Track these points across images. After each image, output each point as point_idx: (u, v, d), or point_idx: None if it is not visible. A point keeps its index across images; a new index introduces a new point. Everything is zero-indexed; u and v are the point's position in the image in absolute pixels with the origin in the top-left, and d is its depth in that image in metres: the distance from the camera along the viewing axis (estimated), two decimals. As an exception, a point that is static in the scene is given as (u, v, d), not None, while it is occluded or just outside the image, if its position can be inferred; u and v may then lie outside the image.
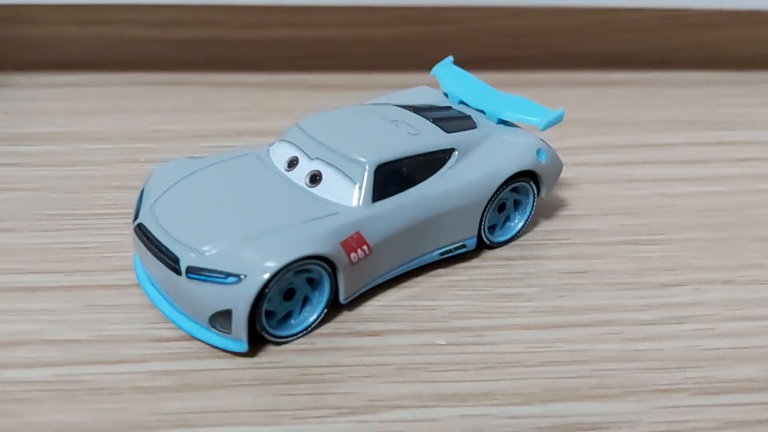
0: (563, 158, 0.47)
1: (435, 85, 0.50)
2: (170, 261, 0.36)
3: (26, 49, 0.67)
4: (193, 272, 0.35)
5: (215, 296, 0.35)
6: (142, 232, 0.38)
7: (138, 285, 0.40)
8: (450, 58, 0.51)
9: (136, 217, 0.39)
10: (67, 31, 0.68)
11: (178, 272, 0.35)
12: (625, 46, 0.71)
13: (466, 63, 0.51)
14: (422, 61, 0.57)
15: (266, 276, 0.35)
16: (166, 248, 0.36)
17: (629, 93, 0.65)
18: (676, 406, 0.35)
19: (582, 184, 0.51)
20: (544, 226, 0.47)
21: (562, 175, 0.48)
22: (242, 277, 0.35)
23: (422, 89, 0.50)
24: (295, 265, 0.35)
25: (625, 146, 0.56)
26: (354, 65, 0.66)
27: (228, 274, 0.35)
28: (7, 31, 0.67)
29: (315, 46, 0.69)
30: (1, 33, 0.67)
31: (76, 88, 0.62)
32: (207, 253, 0.35)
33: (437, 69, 0.50)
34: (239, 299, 0.35)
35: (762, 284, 0.42)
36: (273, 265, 0.35)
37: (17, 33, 0.67)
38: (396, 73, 0.66)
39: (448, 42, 0.68)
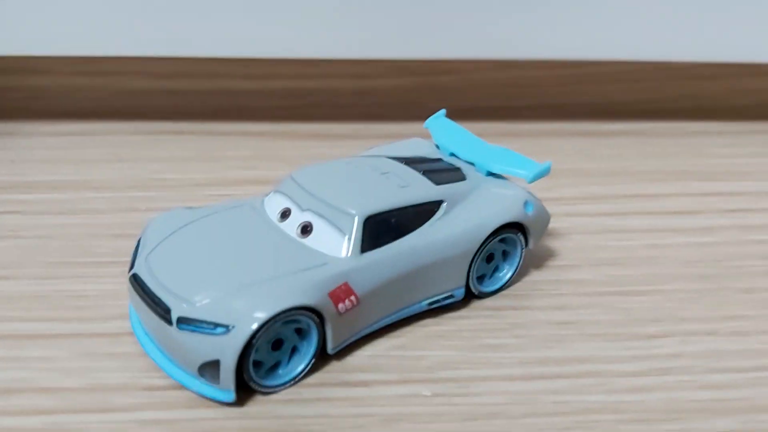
0: (554, 208, 0.48)
1: (429, 136, 0.52)
2: (162, 311, 0.37)
3: (33, 98, 0.68)
4: (184, 323, 0.36)
5: (204, 346, 0.36)
6: (137, 282, 0.39)
7: (132, 333, 0.41)
8: (442, 111, 0.52)
9: (131, 268, 0.40)
10: (73, 81, 0.70)
11: (169, 322, 0.36)
12: (618, 97, 0.72)
13: (463, 113, 0.53)
14: (421, 111, 0.58)
15: (254, 326, 0.35)
16: (158, 299, 0.37)
17: (623, 143, 0.66)
18: (658, 459, 0.35)
19: (572, 234, 0.52)
20: (533, 276, 0.48)
21: (552, 225, 0.49)
22: (230, 327, 0.35)
23: (415, 141, 0.51)
24: (283, 315, 0.36)
25: (616, 196, 0.57)
26: (355, 115, 0.68)
27: (217, 325, 0.36)
28: (15, 82, 0.69)
29: (316, 97, 0.70)
30: (9, 83, 0.69)
31: (81, 137, 0.64)
32: (198, 304, 0.36)
33: (430, 122, 0.52)
34: (227, 349, 0.35)
35: (745, 335, 0.43)
36: (261, 315, 0.36)
37: (24, 83, 0.69)
38: (395, 122, 0.67)
39: (445, 92, 0.69)
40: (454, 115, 0.52)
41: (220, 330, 0.36)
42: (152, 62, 0.68)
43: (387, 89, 0.71)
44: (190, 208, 0.44)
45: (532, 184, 0.46)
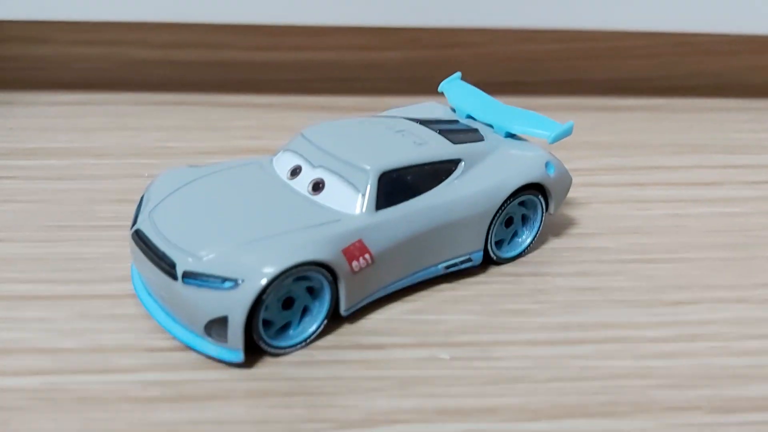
0: (573, 179, 0.46)
1: (443, 102, 0.50)
2: (167, 266, 0.35)
3: (34, 68, 0.67)
4: (190, 277, 0.34)
5: (211, 302, 0.34)
6: (139, 237, 0.37)
7: (134, 295, 0.39)
8: (458, 74, 0.50)
9: (134, 224, 0.38)
10: (74, 50, 0.68)
11: (174, 277, 0.34)
12: (635, 73, 0.70)
13: (476, 86, 0.51)
14: (433, 85, 0.56)
15: (264, 281, 0.33)
16: (162, 253, 0.35)
17: (639, 118, 0.64)
18: (691, 424, 0.33)
19: (592, 203, 0.50)
20: (553, 244, 0.46)
21: (572, 194, 0.47)
22: (239, 282, 0.34)
23: (430, 104, 0.50)
24: (294, 271, 0.34)
25: (635, 168, 0.55)
26: (364, 88, 0.66)
27: (225, 279, 0.34)
28: (16, 50, 0.67)
29: (324, 69, 0.68)
30: (10, 52, 0.67)
31: (82, 106, 0.62)
32: (204, 258, 0.34)
33: (445, 84, 0.50)
34: (236, 305, 0.33)
35: (777, 303, 0.41)
36: (271, 270, 0.34)
37: (25, 52, 0.67)
38: (406, 96, 0.65)
39: (459, 66, 0.66)
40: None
41: (228, 284, 0.34)
42: (154, 31, 0.67)
43: (395, 62, 0.69)
44: (195, 166, 0.42)
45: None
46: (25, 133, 0.57)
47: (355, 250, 0.37)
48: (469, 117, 0.47)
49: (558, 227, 0.47)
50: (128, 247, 0.40)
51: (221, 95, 0.65)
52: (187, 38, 0.67)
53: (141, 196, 0.40)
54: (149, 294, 0.38)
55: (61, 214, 0.47)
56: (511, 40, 0.68)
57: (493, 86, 0.62)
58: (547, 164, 0.43)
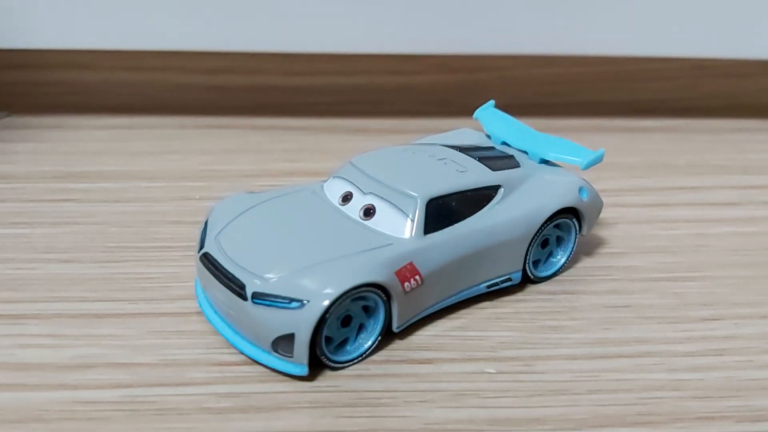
0: (603, 200, 0.49)
1: (476, 128, 0.53)
2: (236, 287, 0.38)
3: (81, 93, 0.70)
4: (259, 297, 0.37)
5: (279, 321, 0.37)
6: (208, 260, 0.40)
7: (199, 312, 0.42)
8: (491, 102, 0.53)
9: (201, 247, 0.41)
10: (119, 76, 0.71)
11: (244, 298, 0.37)
12: (654, 95, 0.73)
13: (503, 109, 0.54)
14: (461, 107, 0.60)
15: (327, 302, 0.36)
16: (232, 275, 0.38)
17: (660, 139, 0.67)
18: (722, 433, 0.36)
19: (620, 223, 0.53)
20: (585, 263, 0.48)
21: (602, 215, 0.50)
22: (305, 302, 0.36)
23: (465, 131, 0.53)
24: (353, 292, 0.37)
25: (659, 189, 0.58)
26: (395, 110, 0.69)
27: (291, 300, 0.37)
28: (65, 76, 0.70)
29: (358, 92, 0.71)
30: (59, 77, 0.70)
31: (128, 130, 0.65)
32: (271, 280, 0.37)
33: (479, 112, 0.53)
34: (302, 323, 0.36)
35: (798, 319, 0.44)
36: (334, 291, 0.37)
37: (73, 78, 0.70)
38: (435, 118, 0.68)
39: (485, 89, 0.71)
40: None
41: (294, 304, 0.36)
42: (195, 58, 0.70)
43: (426, 85, 0.72)
44: (253, 192, 0.45)
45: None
46: (78, 157, 0.60)
47: (406, 272, 0.39)
48: (504, 143, 0.50)
49: (589, 247, 0.50)
50: (188, 267, 0.43)
51: (260, 118, 0.68)
52: (227, 64, 0.70)
53: (204, 220, 0.43)
54: (215, 312, 0.41)
55: (122, 236, 0.50)
56: (535, 64, 0.71)
57: (518, 108, 0.65)
58: (580, 189, 0.46)
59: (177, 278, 0.45)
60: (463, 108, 0.57)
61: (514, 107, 0.60)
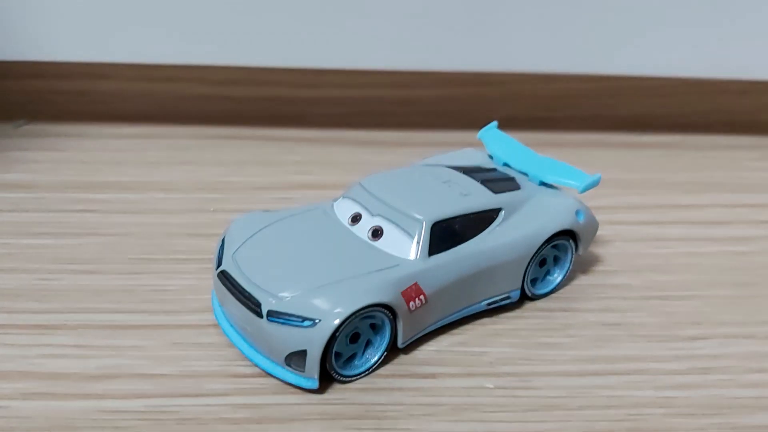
0: (598, 217, 0.51)
1: (478, 145, 0.55)
2: (252, 305, 0.40)
3: (99, 102, 0.72)
4: (274, 316, 0.40)
5: (292, 338, 0.39)
6: (225, 278, 0.42)
7: (216, 325, 0.44)
8: (494, 123, 0.55)
9: (219, 265, 0.44)
10: (135, 87, 0.73)
11: (259, 315, 0.40)
12: (652, 110, 0.76)
13: (505, 123, 0.56)
14: (465, 121, 0.62)
15: (338, 321, 0.39)
16: (249, 293, 0.41)
17: (657, 155, 0.69)
18: (704, 449, 0.39)
19: (615, 241, 0.55)
20: (581, 281, 0.51)
21: (598, 232, 0.52)
22: (317, 321, 0.39)
23: (469, 151, 0.55)
24: (363, 311, 0.40)
25: (653, 206, 0.61)
26: (401, 123, 0.72)
27: (304, 318, 0.39)
28: (83, 85, 0.72)
29: (365, 105, 0.74)
30: (78, 87, 0.72)
31: (145, 139, 0.68)
32: (285, 299, 0.40)
33: (483, 133, 0.55)
34: (314, 341, 0.39)
35: (783, 340, 0.46)
36: (344, 311, 0.39)
37: (92, 87, 0.73)
38: (440, 131, 0.71)
39: (488, 104, 0.73)
40: (498, 126, 0.55)
41: (307, 323, 0.39)
42: (210, 70, 0.72)
43: (431, 99, 0.75)
44: (267, 211, 0.47)
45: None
46: (96, 166, 0.63)
47: (411, 291, 0.42)
48: (506, 164, 0.52)
49: (585, 265, 0.52)
50: (205, 279, 0.46)
51: (271, 129, 0.70)
52: (240, 76, 0.72)
53: (221, 237, 0.46)
54: (231, 325, 0.43)
55: (142, 247, 0.52)
56: (536, 80, 0.73)
57: (520, 122, 0.68)
58: (577, 212, 0.48)
59: (194, 290, 0.48)
60: (467, 121, 0.59)
61: (515, 121, 0.63)
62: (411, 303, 0.42)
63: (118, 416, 0.39)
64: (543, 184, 0.50)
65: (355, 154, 0.67)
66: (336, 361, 0.41)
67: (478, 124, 0.55)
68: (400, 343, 0.43)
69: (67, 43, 0.65)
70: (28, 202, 0.57)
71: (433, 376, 0.43)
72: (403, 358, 0.44)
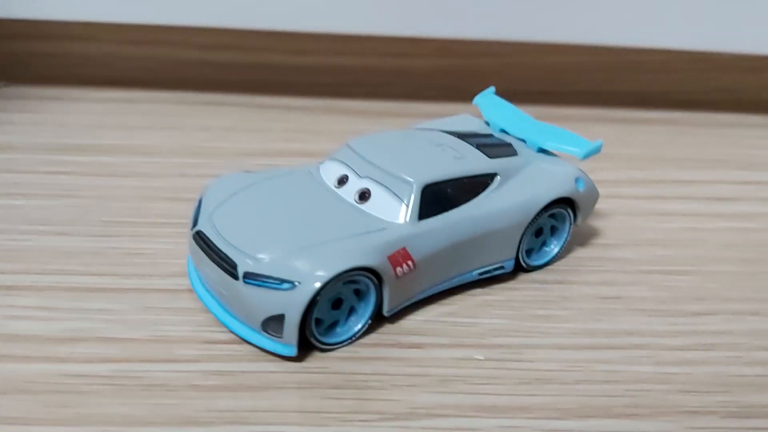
0: (598, 189, 0.49)
1: (475, 114, 0.52)
2: (228, 266, 0.38)
3: (81, 65, 0.70)
4: (250, 278, 0.37)
5: (270, 301, 0.37)
6: (201, 238, 0.40)
7: (191, 290, 0.42)
8: (492, 88, 0.53)
9: (194, 225, 0.41)
10: (119, 49, 0.71)
11: (235, 277, 0.37)
12: (655, 87, 0.73)
13: (503, 95, 0.53)
14: (461, 92, 0.59)
15: (319, 284, 0.36)
16: (224, 254, 0.38)
17: (660, 131, 0.67)
18: (706, 428, 0.36)
19: (615, 215, 0.53)
20: (579, 253, 0.48)
21: (597, 205, 0.50)
22: (296, 283, 0.36)
23: (465, 117, 0.52)
24: (345, 275, 0.37)
25: (656, 181, 0.58)
26: (395, 93, 0.69)
27: (283, 281, 0.37)
28: (62, 48, 0.70)
29: (358, 74, 0.71)
30: (60, 49, 0.70)
31: (127, 104, 0.65)
32: (263, 260, 0.37)
33: (479, 98, 0.52)
34: (292, 305, 0.36)
35: (790, 317, 0.44)
36: (325, 273, 0.37)
37: (74, 50, 0.70)
38: (435, 102, 0.68)
39: (485, 75, 0.70)
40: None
41: (286, 285, 0.36)
42: (196, 33, 0.69)
43: (427, 69, 0.72)
44: (248, 171, 0.45)
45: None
46: (75, 129, 0.60)
47: (399, 257, 0.40)
48: (503, 131, 0.50)
49: (583, 237, 0.50)
50: (182, 244, 0.43)
51: (259, 96, 0.68)
52: (228, 41, 0.70)
53: (198, 198, 0.43)
54: (207, 290, 0.41)
55: (118, 210, 0.50)
56: (538, 51, 0.71)
57: (518, 95, 0.65)
58: (576, 180, 0.46)
59: (171, 255, 0.45)
60: (464, 93, 0.57)
61: (514, 94, 0.60)
62: (398, 269, 0.39)
63: (80, 380, 0.37)
64: (542, 150, 0.48)
65: (346, 123, 0.64)
66: (317, 328, 0.38)
67: (475, 96, 0.53)
68: (385, 311, 0.40)
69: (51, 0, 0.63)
70: (2, 163, 0.55)
71: (419, 346, 0.40)
72: (388, 327, 0.41)
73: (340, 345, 0.39)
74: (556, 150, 0.47)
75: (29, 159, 0.55)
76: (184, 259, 0.44)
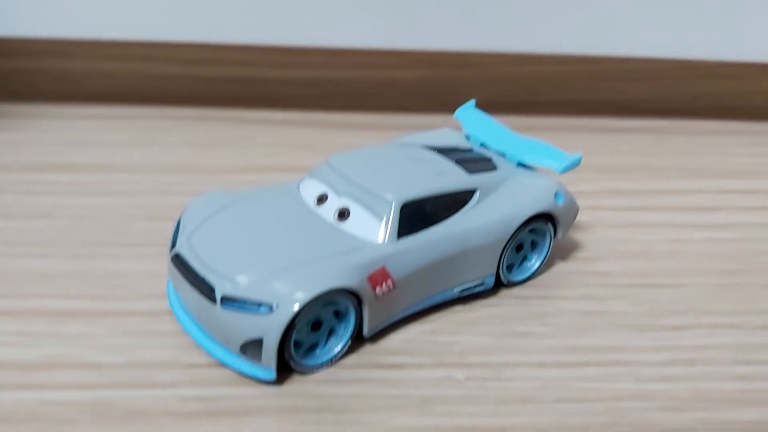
0: (578, 202, 0.49)
1: (457, 127, 0.52)
2: (206, 290, 0.38)
3: (61, 81, 0.69)
4: (228, 301, 0.37)
5: (248, 325, 0.37)
6: (179, 261, 0.40)
7: (170, 312, 0.42)
8: (472, 102, 0.53)
9: (173, 247, 0.41)
10: (100, 65, 0.70)
11: (213, 300, 0.37)
12: (637, 95, 0.73)
13: (485, 106, 0.53)
14: (444, 104, 0.59)
15: (297, 306, 0.36)
16: (202, 277, 0.38)
17: (642, 140, 0.67)
18: (687, 445, 0.36)
19: (596, 227, 0.53)
20: (560, 267, 0.48)
21: (578, 218, 0.50)
22: (274, 307, 0.36)
23: (445, 131, 0.52)
24: (324, 296, 0.37)
25: (637, 192, 0.58)
26: (378, 106, 0.69)
27: (261, 304, 0.36)
28: (45, 64, 0.69)
29: (340, 87, 0.71)
30: (39, 65, 0.69)
31: (108, 120, 0.65)
32: (241, 284, 0.37)
33: (460, 112, 0.52)
34: (271, 328, 0.36)
35: (769, 329, 0.44)
36: (304, 296, 0.36)
37: (52, 66, 0.69)
38: (418, 114, 0.68)
39: (469, 86, 0.70)
40: (478, 108, 0.53)
41: (263, 309, 0.36)
42: (178, 48, 0.69)
43: (409, 81, 0.72)
44: (228, 191, 0.45)
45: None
46: (56, 147, 0.60)
47: (378, 276, 0.39)
48: (483, 145, 0.50)
49: (564, 251, 0.50)
50: (162, 265, 0.43)
51: (241, 111, 0.67)
52: (209, 55, 0.69)
53: (178, 219, 0.43)
54: (185, 312, 0.40)
55: (97, 231, 0.49)
56: (518, 61, 0.71)
57: (501, 105, 0.65)
58: (556, 194, 0.46)
59: (150, 276, 0.45)
60: (447, 104, 0.57)
61: (496, 104, 0.60)
62: (378, 288, 0.39)
63: (57, 408, 0.36)
64: (521, 164, 0.48)
65: (329, 137, 0.64)
66: (296, 351, 0.38)
67: (458, 107, 0.53)
68: (366, 333, 0.40)
69: (29, 17, 0.62)
70: (-21, 183, 0.54)
71: (400, 366, 0.40)
72: (368, 348, 0.41)
73: (319, 367, 0.39)
74: (535, 164, 0.47)
75: (7, 179, 0.55)
76: (164, 280, 0.44)
